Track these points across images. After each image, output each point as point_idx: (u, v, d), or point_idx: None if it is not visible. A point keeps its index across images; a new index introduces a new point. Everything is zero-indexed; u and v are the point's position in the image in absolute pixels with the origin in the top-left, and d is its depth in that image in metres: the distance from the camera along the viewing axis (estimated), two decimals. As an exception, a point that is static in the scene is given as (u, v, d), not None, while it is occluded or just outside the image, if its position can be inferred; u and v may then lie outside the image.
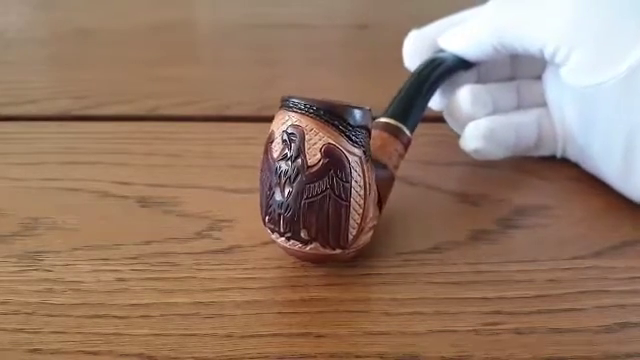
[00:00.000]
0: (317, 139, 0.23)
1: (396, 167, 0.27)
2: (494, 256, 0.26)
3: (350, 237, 0.23)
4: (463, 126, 0.31)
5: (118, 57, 0.46)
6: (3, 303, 0.24)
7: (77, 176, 0.31)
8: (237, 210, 0.29)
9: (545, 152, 0.32)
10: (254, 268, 0.26)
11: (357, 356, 0.22)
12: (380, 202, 0.25)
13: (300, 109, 0.23)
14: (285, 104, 0.23)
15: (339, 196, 0.23)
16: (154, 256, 0.26)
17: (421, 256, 0.26)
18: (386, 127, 0.27)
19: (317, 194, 0.23)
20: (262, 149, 0.24)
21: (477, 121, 0.30)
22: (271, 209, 0.23)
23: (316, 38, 0.50)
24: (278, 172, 0.23)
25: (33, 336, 0.23)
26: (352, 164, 0.23)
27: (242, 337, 0.23)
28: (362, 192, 0.23)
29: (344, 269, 0.26)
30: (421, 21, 0.34)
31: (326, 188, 0.23)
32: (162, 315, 0.23)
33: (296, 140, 0.23)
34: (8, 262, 0.26)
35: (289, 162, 0.23)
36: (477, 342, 0.22)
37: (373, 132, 0.25)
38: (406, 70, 0.32)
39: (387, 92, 0.29)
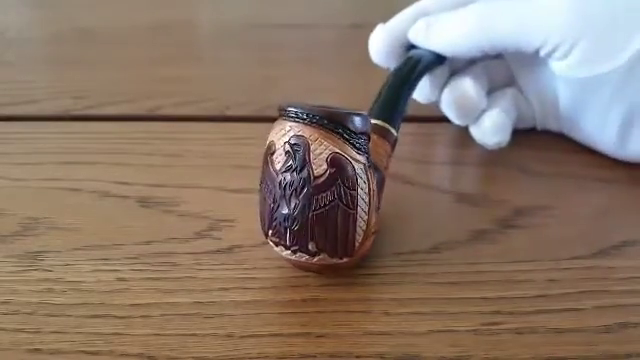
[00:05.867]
0: (322, 149, 0.22)
1: (386, 168, 0.27)
2: (494, 256, 0.26)
3: (357, 245, 0.23)
4: (468, 115, 0.32)
5: (118, 57, 0.46)
6: (3, 303, 0.24)
7: (77, 176, 0.31)
8: (237, 210, 0.29)
9: (522, 126, 0.34)
10: (254, 268, 0.26)
11: (357, 356, 0.22)
12: (378, 205, 0.25)
13: (302, 119, 0.22)
14: (284, 113, 0.23)
15: (347, 205, 0.22)
16: (154, 256, 0.26)
17: (421, 256, 0.26)
18: (374, 129, 0.26)
19: (325, 205, 0.22)
20: (262, 149, 0.24)
21: (491, 115, 0.31)
22: (275, 222, 0.23)
23: (316, 38, 0.50)
24: (283, 184, 0.22)
25: (33, 336, 0.23)
26: (358, 172, 0.22)
27: (242, 337, 0.23)
28: (367, 199, 0.23)
29: (344, 269, 0.25)
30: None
31: (334, 198, 0.22)
32: (162, 315, 0.23)
33: (300, 151, 0.22)
34: (8, 262, 0.26)
35: (294, 174, 0.22)
36: (477, 342, 0.22)
37: None
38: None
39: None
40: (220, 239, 0.27)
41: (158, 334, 0.23)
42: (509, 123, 0.32)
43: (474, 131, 0.32)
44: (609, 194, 0.30)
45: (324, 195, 0.22)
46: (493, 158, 0.33)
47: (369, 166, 0.23)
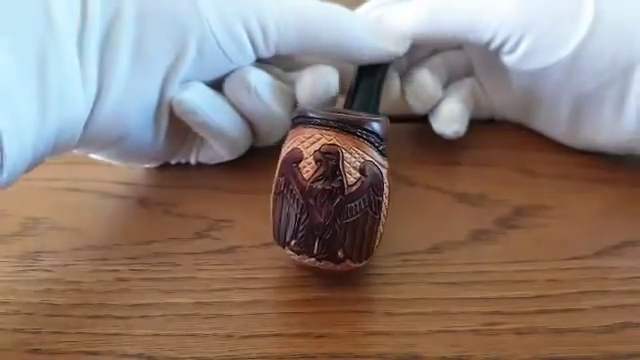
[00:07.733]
0: (355, 157, 0.22)
1: None
2: (494, 256, 0.26)
3: (374, 247, 0.23)
4: (424, 104, 0.32)
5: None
6: (3, 303, 0.24)
7: (77, 176, 0.31)
8: (237, 210, 0.29)
9: (481, 116, 0.35)
10: (254, 268, 0.26)
11: (357, 356, 0.22)
12: None
13: (332, 127, 0.22)
14: (309, 120, 0.23)
15: (374, 212, 0.22)
16: (154, 256, 0.26)
17: (421, 256, 0.26)
18: None
19: (356, 213, 0.22)
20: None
21: (450, 105, 0.32)
22: (302, 232, 0.23)
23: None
24: (313, 193, 0.22)
25: (33, 336, 0.23)
26: (384, 178, 0.23)
27: (242, 337, 0.23)
28: (386, 202, 0.23)
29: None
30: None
31: (365, 206, 0.22)
32: (162, 315, 0.23)
33: (333, 159, 0.22)
34: (8, 262, 0.26)
35: (326, 183, 0.22)
36: (477, 342, 0.22)
37: None
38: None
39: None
40: (220, 239, 0.27)
41: (158, 334, 0.23)
42: (466, 112, 0.32)
43: (432, 120, 0.33)
44: (609, 194, 0.30)
45: (356, 203, 0.22)
46: (493, 158, 0.33)
47: (388, 169, 0.23)
